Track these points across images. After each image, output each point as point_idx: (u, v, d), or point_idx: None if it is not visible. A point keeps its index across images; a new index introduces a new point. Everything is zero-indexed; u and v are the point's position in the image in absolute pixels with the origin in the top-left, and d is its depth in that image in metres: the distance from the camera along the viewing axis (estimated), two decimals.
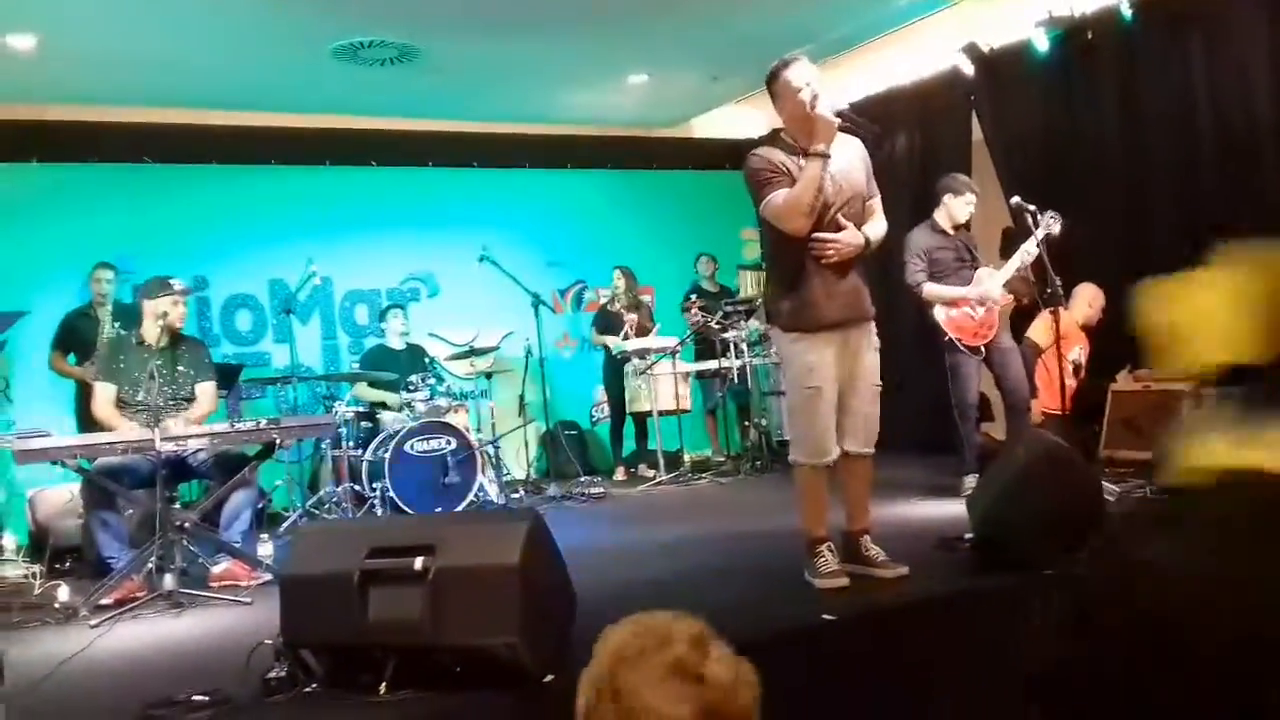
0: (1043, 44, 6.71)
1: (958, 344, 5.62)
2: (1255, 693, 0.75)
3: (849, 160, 3.85)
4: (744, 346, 7.69)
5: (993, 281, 5.64)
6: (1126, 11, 6.23)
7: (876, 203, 4.00)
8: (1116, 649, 0.81)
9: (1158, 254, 6.02)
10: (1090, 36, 6.53)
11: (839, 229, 3.78)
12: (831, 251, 3.76)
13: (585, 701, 1.30)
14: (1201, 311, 2.60)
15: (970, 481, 5.39)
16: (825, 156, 3.68)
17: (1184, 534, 0.87)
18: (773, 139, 3.93)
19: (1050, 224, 5.54)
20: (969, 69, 7.26)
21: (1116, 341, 6.32)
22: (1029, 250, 5.50)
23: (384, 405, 6.94)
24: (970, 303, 5.64)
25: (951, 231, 5.72)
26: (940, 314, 5.67)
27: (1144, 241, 5.83)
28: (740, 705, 1.27)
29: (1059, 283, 5.33)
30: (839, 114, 3.70)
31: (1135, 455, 5.62)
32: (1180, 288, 2.77)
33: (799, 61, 3.81)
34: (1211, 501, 0.89)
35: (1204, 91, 6.01)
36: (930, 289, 5.68)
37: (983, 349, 5.63)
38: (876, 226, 3.94)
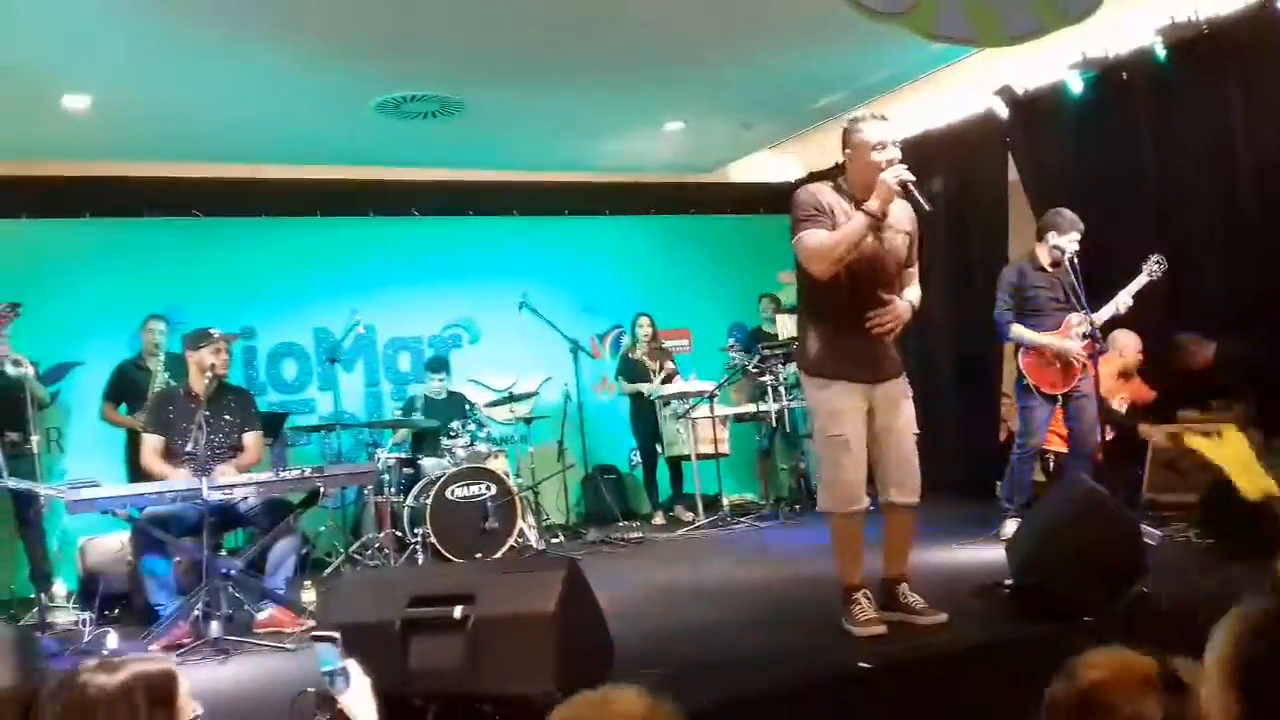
0: (1077, 85, 6.73)
1: (1034, 389, 5.58)
2: None
3: (897, 221, 3.85)
4: (782, 390, 7.70)
5: (1080, 330, 5.53)
6: (1160, 52, 6.23)
7: (914, 271, 4.01)
8: None
9: (1197, 296, 6.01)
10: (1125, 77, 6.52)
11: (877, 293, 3.81)
12: (889, 324, 3.79)
13: None
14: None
15: (1010, 526, 5.36)
16: (877, 218, 3.68)
17: None
18: (828, 179, 3.97)
19: (1154, 270, 5.49)
20: (1003, 111, 7.28)
21: (1156, 385, 6.30)
22: (1126, 297, 5.48)
23: (427, 442, 7.01)
24: (1053, 352, 5.57)
25: (1051, 269, 5.60)
26: (1022, 356, 5.64)
27: (1183, 283, 5.80)
28: None
29: (1098, 329, 5.34)
30: (903, 184, 3.67)
31: (1178, 499, 5.56)
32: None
33: (880, 120, 3.84)
34: None
35: (1241, 131, 5.98)
36: (1016, 331, 5.61)
37: (1059, 397, 5.59)
38: (915, 291, 3.98)
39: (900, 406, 3.90)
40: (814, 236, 3.75)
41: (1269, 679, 0.83)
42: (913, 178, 3.68)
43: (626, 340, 8.89)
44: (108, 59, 6.05)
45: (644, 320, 8.41)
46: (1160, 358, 6.11)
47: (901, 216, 3.88)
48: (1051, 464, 6.30)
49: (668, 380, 8.19)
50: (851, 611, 3.81)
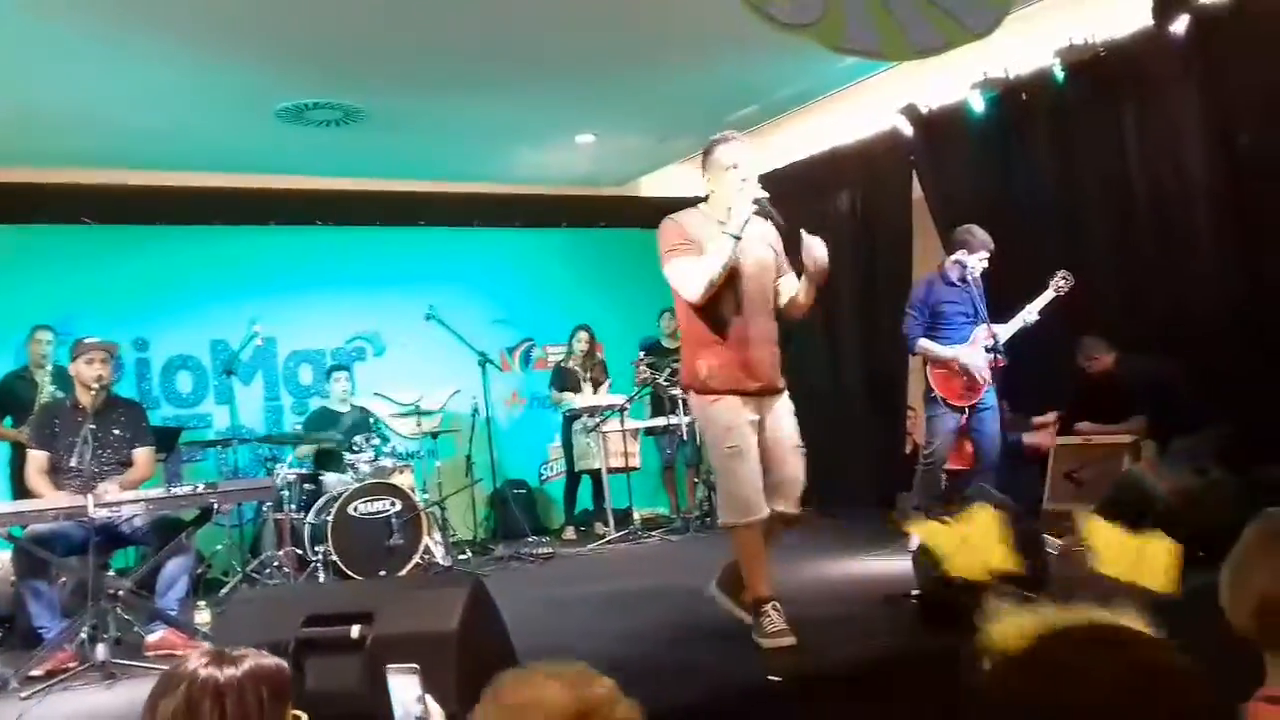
0: (979, 105, 6.86)
1: (941, 400, 5.67)
2: None
3: (759, 235, 3.99)
4: None
5: (985, 344, 5.63)
6: (1059, 74, 6.39)
7: (790, 277, 4.13)
8: None
9: (1097, 311, 6.15)
10: (1024, 97, 6.68)
11: (754, 307, 3.93)
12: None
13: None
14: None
15: (918, 537, 5.41)
16: (737, 238, 3.80)
17: None
18: (690, 207, 4.10)
19: (1060, 285, 5.60)
20: (908, 129, 7.40)
21: (1052, 397, 6.44)
22: (1032, 312, 5.59)
23: (330, 457, 6.85)
24: (959, 364, 5.66)
25: (959, 284, 5.70)
26: (930, 368, 5.73)
27: (1080, 296, 5.93)
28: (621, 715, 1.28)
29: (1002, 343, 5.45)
30: (756, 201, 3.82)
31: (1077, 509, 5.67)
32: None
33: (734, 141, 4.01)
34: None
35: (1135, 151, 6.16)
36: (923, 345, 5.72)
37: (965, 409, 5.68)
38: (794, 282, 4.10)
39: (786, 421, 4.02)
40: (683, 264, 3.88)
41: None
42: (765, 194, 3.83)
43: (538, 353, 8.82)
44: None
45: (582, 334, 8.35)
46: (1064, 371, 6.24)
47: (766, 232, 4.03)
48: (943, 483, 6.35)
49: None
50: (761, 624, 3.80)
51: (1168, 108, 5.95)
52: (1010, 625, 1.06)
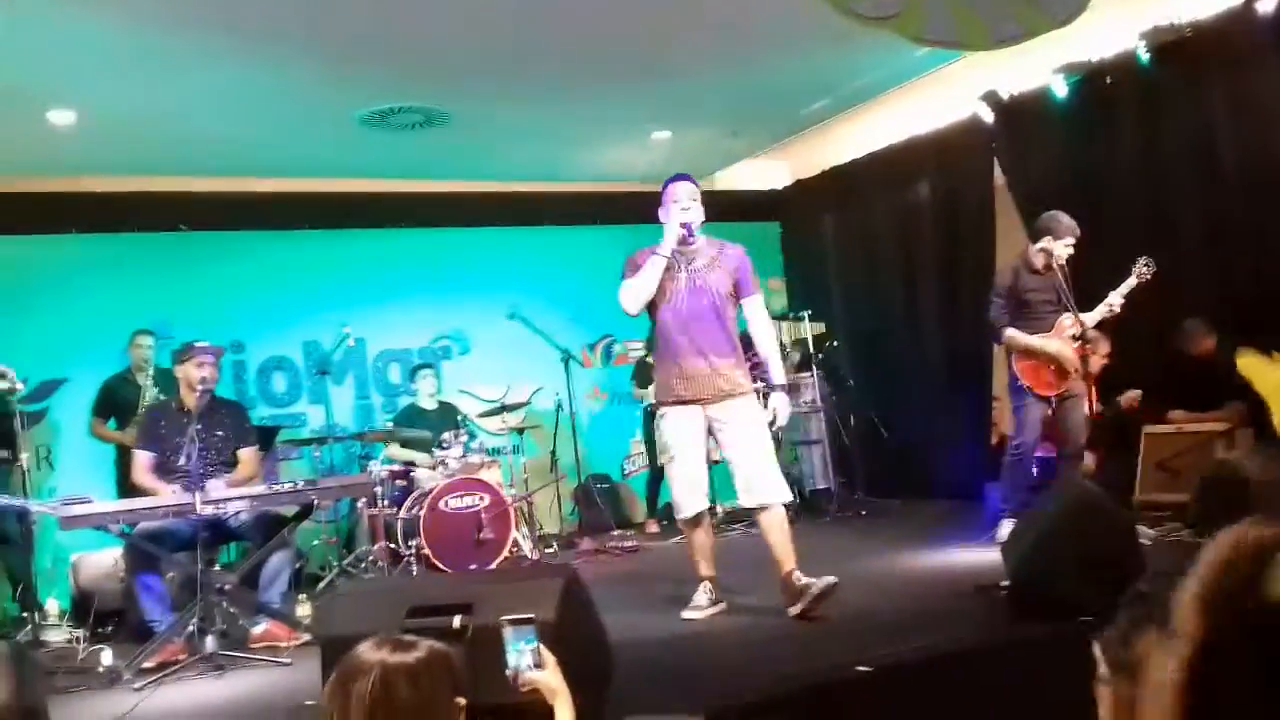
0: (1062, 90, 6.77)
1: (1028, 390, 5.60)
2: None
3: (711, 261, 4.51)
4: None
5: (1072, 331, 5.58)
6: (1144, 55, 6.28)
7: (756, 298, 4.62)
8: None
9: (1187, 297, 6.04)
10: (1109, 81, 6.57)
11: (699, 325, 4.41)
12: None
13: None
14: None
15: (1006, 527, 5.36)
16: (664, 256, 4.42)
17: None
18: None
19: (1143, 272, 5.52)
20: (989, 116, 7.32)
21: (1142, 384, 6.33)
22: (1116, 299, 5.52)
23: (414, 464, 7.00)
24: (1047, 355, 5.59)
25: (1044, 271, 5.62)
26: (1016, 359, 5.67)
27: (1169, 283, 5.84)
28: None
29: (1089, 330, 5.38)
30: (683, 225, 4.43)
31: (1170, 498, 5.58)
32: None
33: (682, 181, 4.58)
34: None
35: (1225, 133, 6.03)
36: (1010, 335, 5.64)
37: (1052, 399, 5.61)
38: (762, 331, 4.64)
39: (741, 424, 4.41)
40: (623, 286, 4.48)
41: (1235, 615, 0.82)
42: (694, 220, 4.44)
43: (618, 348, 8.88)
44: (92, 74, 6.03)
45: None
46: (1148, 357, 6.14)
47: (719, 257, 4.52)
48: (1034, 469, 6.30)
49: None
50: (694, 597, 4.50)
51: (1257, 87, 5.81)
52: None
